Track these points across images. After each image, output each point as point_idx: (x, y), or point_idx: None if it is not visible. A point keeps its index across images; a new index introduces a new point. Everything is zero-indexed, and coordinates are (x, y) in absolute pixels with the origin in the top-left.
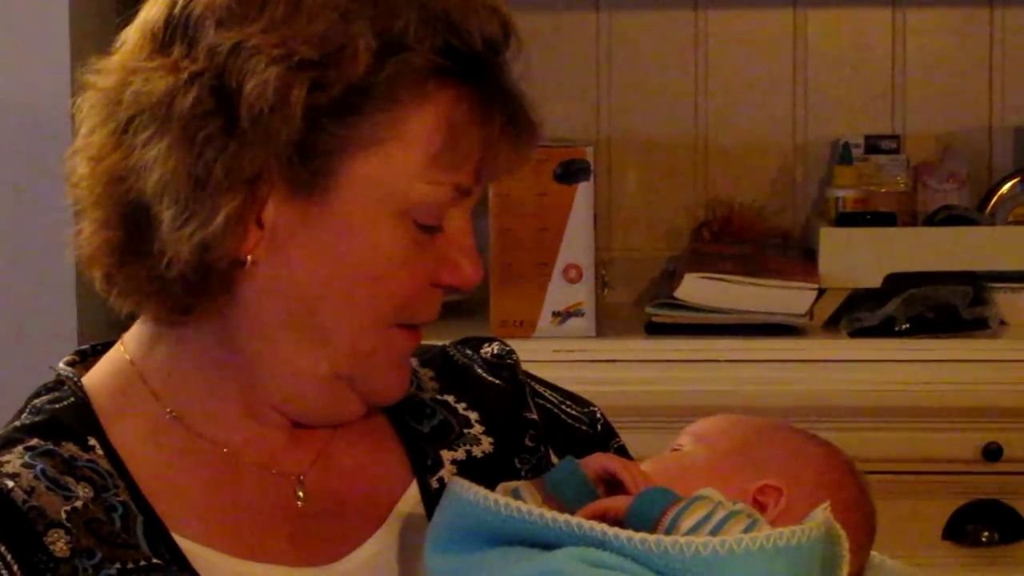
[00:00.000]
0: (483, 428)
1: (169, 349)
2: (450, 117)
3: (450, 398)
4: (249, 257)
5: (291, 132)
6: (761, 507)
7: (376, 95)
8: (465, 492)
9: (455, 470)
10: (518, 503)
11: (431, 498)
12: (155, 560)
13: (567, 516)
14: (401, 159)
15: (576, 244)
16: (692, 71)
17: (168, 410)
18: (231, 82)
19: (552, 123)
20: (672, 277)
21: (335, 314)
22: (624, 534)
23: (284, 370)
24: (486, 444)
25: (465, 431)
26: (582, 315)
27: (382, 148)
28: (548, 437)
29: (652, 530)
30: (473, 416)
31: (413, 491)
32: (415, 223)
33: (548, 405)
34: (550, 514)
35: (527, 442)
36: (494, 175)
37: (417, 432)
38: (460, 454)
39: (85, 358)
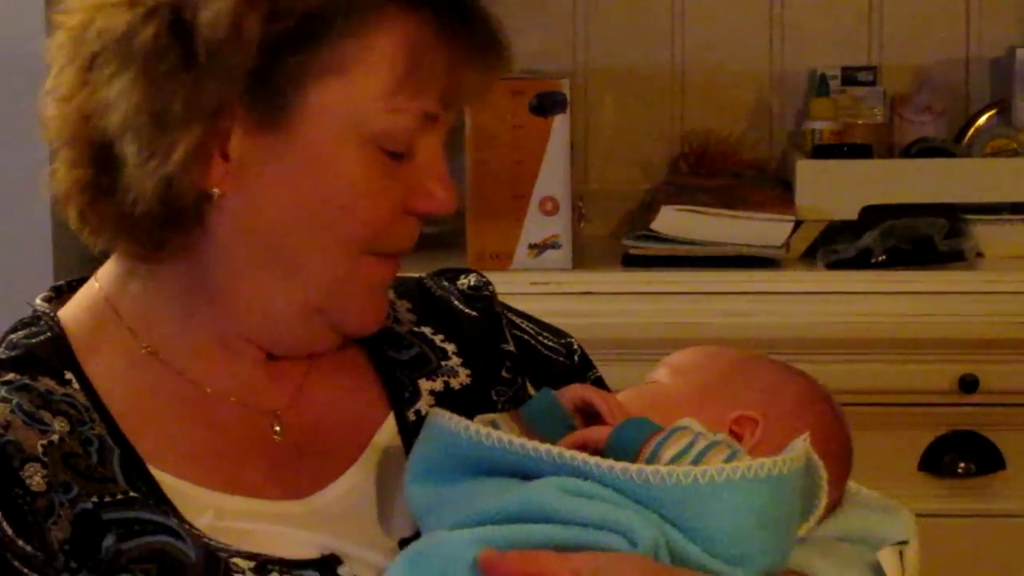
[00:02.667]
0: (460, 360)
1: (143, 285)
2: (413, 41)
3: (427, 330)
4: (216, 190)
5: (248, 63)
6: (737, 437)
7: (334, 22)
8: (446, 423)
9: (433, 401)
10: (499, 433)
11: (408, 431)
12: (132, 493)
13: (547, 445)
14: (364, 86)
15: (552, 177)
16: (669, 3)
17: (144, 345)
18: (187, 15)
19: (528, 55)
20: (649, 209)
21: (306, 245)
22: (605, 464)
23: (258, 303)
24: (463, 376)
25: (442, 363)
26: (559, 247)
27: (344, 76)
28: (525, 368)
29: (633, 460)
30: (450, 348)
31: (390, 424)
32: (382, 150)
33: (525, 336)
34: (531, 444)
35: (504, 374)
36: (463, 100)
37: (395, 361)
38: (438, 385)
39: (60, 294)
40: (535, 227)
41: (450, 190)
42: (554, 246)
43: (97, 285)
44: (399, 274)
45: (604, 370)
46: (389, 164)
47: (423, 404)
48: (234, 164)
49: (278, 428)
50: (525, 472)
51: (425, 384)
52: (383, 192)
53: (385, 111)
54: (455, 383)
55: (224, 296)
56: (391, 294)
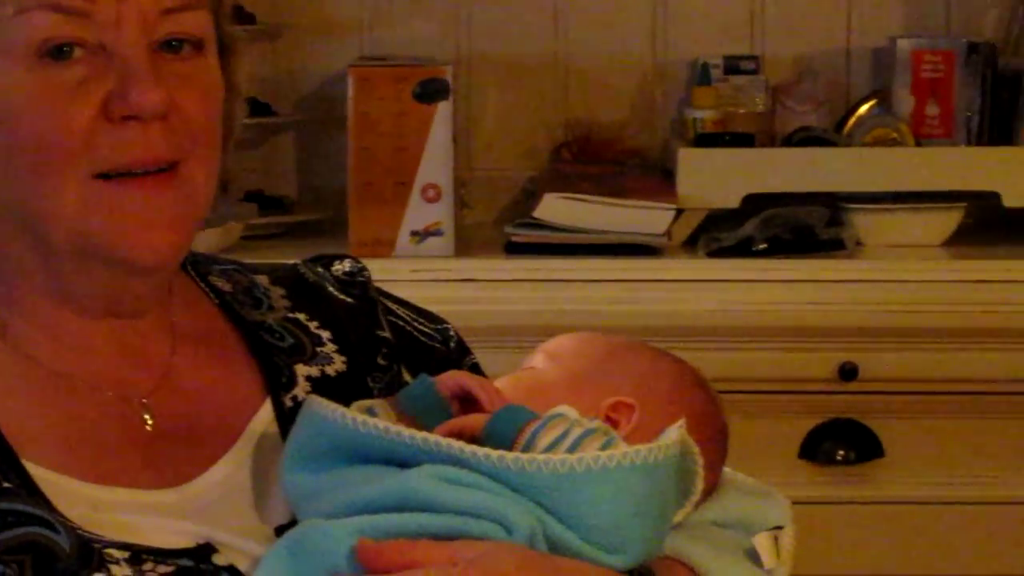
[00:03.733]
0: (336, 347)
1: None
2: None
3: (301, 316)
4: None
5: None
6: (614, 423)
7: None
8: (321, 410)
9: (309, 387)
10: (375, 420)
11: (285, 417)
12: (5, 484)
13: (424, 433)
14: None
15: (435, 164)
16: None
17: None
18: None
19: (411, 42)
20: (531, 197)
21: (19, 187)
22: (481, 452)
23: (30, 264)
24: (339, 363)
25: (318, 349)
26: (441, 235)
27: None
28: (401, 355)
29: (509, 448)
30: (325, 335)
31: (267, 409)
32: (37, 56)
33: (400, 323)
34: (407, 431)
35: (380, 360)
36: None
37: (272, 347)
38: (314, 371)
39: None
40: (417, 214)
41: (144, 85)
42: (436, 233)
43: None
44: (274, 261)
45: (486, 357)
46: (52, 68)
47: (300, 390)
48: None
49: (148, 417)
50: (402, 460)
51: (302, 370)
52: (55, 101)
53: (15, 15)
54: (331, 370)
55: (7, 262)
56: (264, 280)
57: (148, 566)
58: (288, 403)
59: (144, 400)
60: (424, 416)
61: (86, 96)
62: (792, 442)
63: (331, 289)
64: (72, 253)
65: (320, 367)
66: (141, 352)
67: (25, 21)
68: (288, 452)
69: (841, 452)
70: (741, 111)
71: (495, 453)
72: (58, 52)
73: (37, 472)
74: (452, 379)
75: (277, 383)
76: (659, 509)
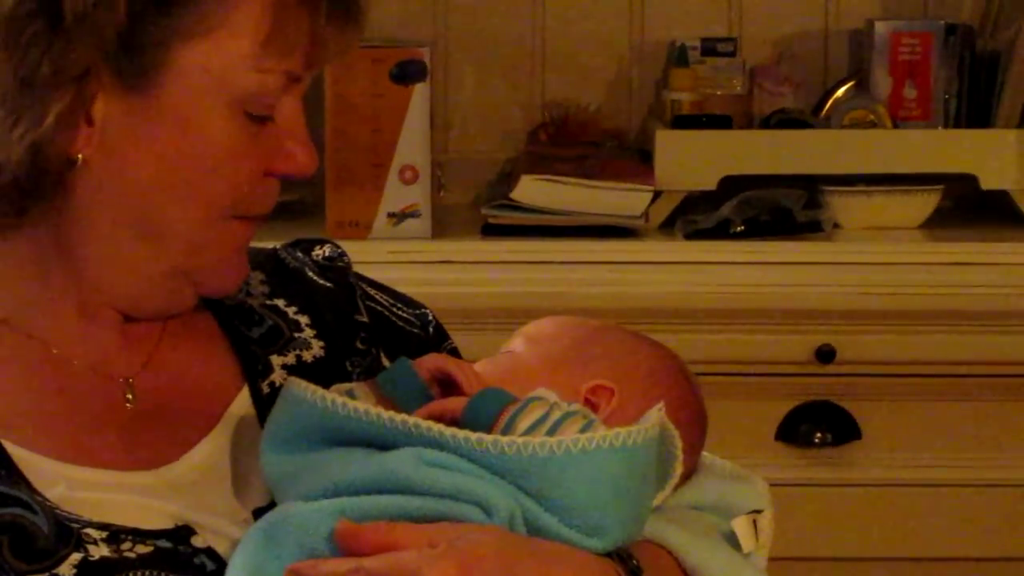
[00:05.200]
0: (314, 332)
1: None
2: (276, 2)
3: (280, 302)
4: (80, 156)
5: (116, 25)
6: (593, 407)
7: None
8: (302, 392)
9: (286, 375)
10: (355, 403)
11: (263, 402)
12: None
13: (404, 416)
14: (230, 47)
15: (412, 145)
16: None
17: None
18: None
19: (388, 23)
20: (509, 179)
21: (170, 209)
22: (461, 434)
23: (120, 268)
24: (317, 348)
25: (295, 335)
26: (418, 216)
27: (209, 37)
28: (379, 340)
29: (488, 431)
30: (303, 320)
31: (245, 395)
32: (246, 113)
33: (378, 308)
34: (387, 414)
35: (358, 345)
36: (323, 61)
37: (247, 337)
38: (290, 359)
39: None
40: (394, 196)
41: (310, 152)
42: (413, 215)
43: None
44: (253, 244)
45: (463, 340)
46: (253, 127)
47: (277, 377)
48: (98, 129)
49: (130, 396)
50: (381, 443)
51: (277, 360)
52: (247, 155)
53: (251, 72)
54: (308, 356)
55: (85, 261)
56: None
57: (127, 545)
58: (266, 389)
59: (129, 379)
60: (403, 399)
61: (258, 152)
62: (770, 425)
63: (310, 274)
64: (172, 272)
65: (297, 354)
66: (134, 331)
67: (260, 81)
68: (267, 434)
69: (818, 435)
70: (719, 93)
71: (474, 436)
72: (261, 118)
73: (15, 451)
74: (431, 362)
75: (254, 370)
76: (638, 492)
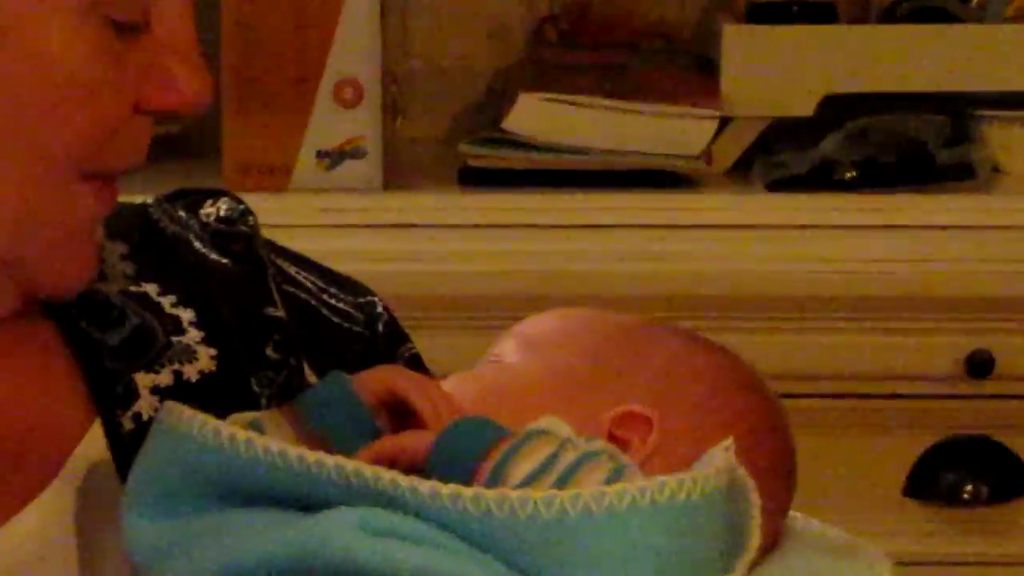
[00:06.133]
0: (201, 334)
1: None
2: None
3: (151, 288)
4: None
5: None
6: (623, 445)
7: None
8: (183, 424)
9: (158, 402)
10: (265, 440)
11: (123, 443)
12: None
13: (340, 460)
14: None
15: (353, 49)
16: None
17: None
18: None
19: None
20: (500, 100)
21: None
22: (426, 487)
23: None
24: (206, 359)
25: (174, 340)
26: (363, 156)
27: None
28: (302, 344)
29: (467, 482)
30: (186, 316)
31: (96, 432)
32: (105, 19)
33: (302, 295)
34: (313, 457)
35: (270, 352)
36: None
37: (99, 346)
38: (165, 377)
39: None
40: (327, 126)
41: (200, 75)
42: (356, 154)
43: None
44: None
45: (426, 341)
46: (115, 41)
47: (144, 405)
48: None
49: None
50: (306, 500)
51: (145, 379)
52: (108, 82)
53: None
54: (192, 371)
55: None
56: (100, 233)
57: None
58: (128, 424)
59: None
60: (339, 434)
61: (120, 75)
62: (896, 472)
63: (197, 244)
64: None
65: (175, 369)
66: None
67: None
68: (132, 489)
69: (969, 487)
70: None
71: (446, 489)
72: (128, 27)
73: None
74: (381, 379)
75: (109, 395)
76: (693, 572)
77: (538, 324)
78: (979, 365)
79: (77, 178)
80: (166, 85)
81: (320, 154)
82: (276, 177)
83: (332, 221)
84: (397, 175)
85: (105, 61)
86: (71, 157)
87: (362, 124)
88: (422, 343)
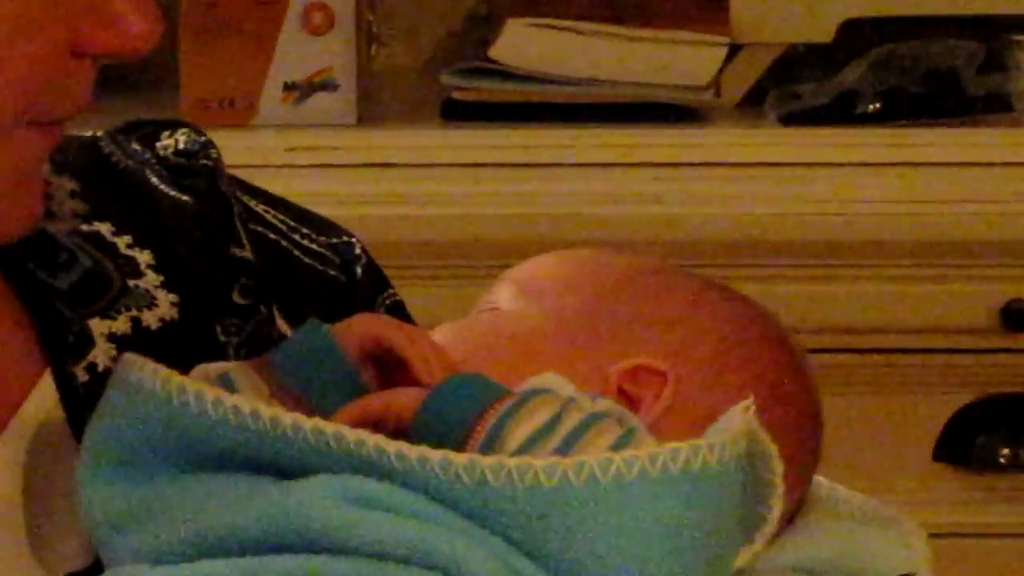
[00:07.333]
0: (161, 277)
1: None
2: None
3: (104, 227)
4: None
5: None
6: (632, 402)
7: None
8: (145, 379)
9: (115, 349)
10: (235, 399)
11: (77, 397)
12: None
13: (317, 422)
14: None
15: None
16: None
17: None
18: None
19: None
20: (486, 25)
21: None
22: (414, 453)
23: None
24: (166, 305)
25: (130, 283)
26: (335, 88)
27: None
28: (271, 288)
29: (460, 447)
30: (143, 258)
31: (47, 385)
32: None
33: (272, 235)
34: (289, 419)
35: (236, 298)
36: None
37: (48, 289)
38: (122, 324)
39: None
40: (295, 55)
41: (148, 13)
42: (327, 86)
43: None
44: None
45: (409, 289)
46: None
47: (100, 354)
48: None
49: None
50: (281, 465)
51: (100, 326)
52: (44, 23)
53: None
54: (151, 318)
55: None
56: (45, 168)
57: None
58: (81, 375)
59: None
60: (317, 391)
61: (59, 14)
62: (924, 435)
63: (154, 180)
64: None
65: (132, 315)
66: None
67: None
68: (88, 449)
69: (1005, 451)
70: None
71: (436, 455)
72: None
73: None
74: (361, 328)
75: (61, 344)
76: (709, 546)
77: (537, 268)
78: (1016, 317)
79: (14, 125)
80: (108, 24)
81: (287, 86)
82: (238, 112)
83: (301, 160)
84: (372, 109)
85: (36, 3)
86: (6, 103)
87: (334, 53)
88: (406, 292)
